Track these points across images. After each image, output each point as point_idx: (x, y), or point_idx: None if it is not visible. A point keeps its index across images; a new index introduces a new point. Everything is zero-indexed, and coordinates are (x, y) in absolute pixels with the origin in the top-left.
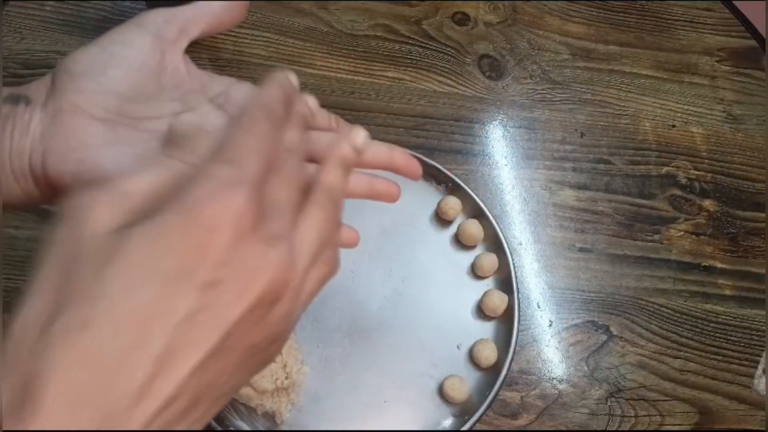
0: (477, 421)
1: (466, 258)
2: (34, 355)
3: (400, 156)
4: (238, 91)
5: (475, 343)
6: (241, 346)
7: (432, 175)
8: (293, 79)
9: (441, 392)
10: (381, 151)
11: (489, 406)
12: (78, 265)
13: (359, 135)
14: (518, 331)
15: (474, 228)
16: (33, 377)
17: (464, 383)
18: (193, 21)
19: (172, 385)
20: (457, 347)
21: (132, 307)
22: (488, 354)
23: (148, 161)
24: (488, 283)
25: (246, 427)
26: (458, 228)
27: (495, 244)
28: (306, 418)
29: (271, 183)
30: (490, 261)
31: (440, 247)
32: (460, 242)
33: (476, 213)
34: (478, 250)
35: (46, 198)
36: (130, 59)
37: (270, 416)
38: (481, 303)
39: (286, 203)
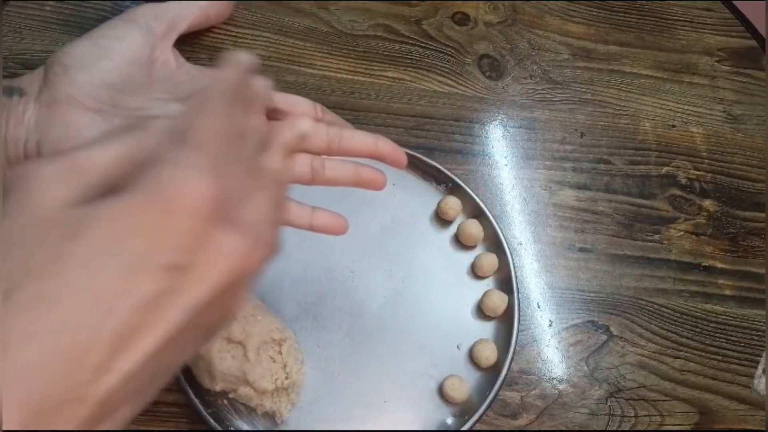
0: (477, 421)
1: (466, 258)
2: None
3: (385, 144)
4: None
5: (475, 343)
6: (199, 327)
7: (432, 175)
8: (249, 60)
9: (441, 392)
10: (366, 139)
11: (489, 406)
12: (37, 239)
13: (304, 123)
14: (518, 331)
15: (474, 228)
16: None
17: (464, 383)
18: (181, 17)
19: (131, 363)
20: (457, 347)
21: (95, 284)
22: (488, 354)
23: (105, 138)
24: (488, 283)
25: (246, 427)
26: (458, 228)
27: (495, 244)
28: (306, 418)
29: (232, 168)
30: (490, 261)
31: (440, 247)
32: (460, 242)
33: (476, 213)
34: (478, 250)
35: None
36: (122, 52)
37: (270, 416)
38: (481, 303)
39: (245, 189)
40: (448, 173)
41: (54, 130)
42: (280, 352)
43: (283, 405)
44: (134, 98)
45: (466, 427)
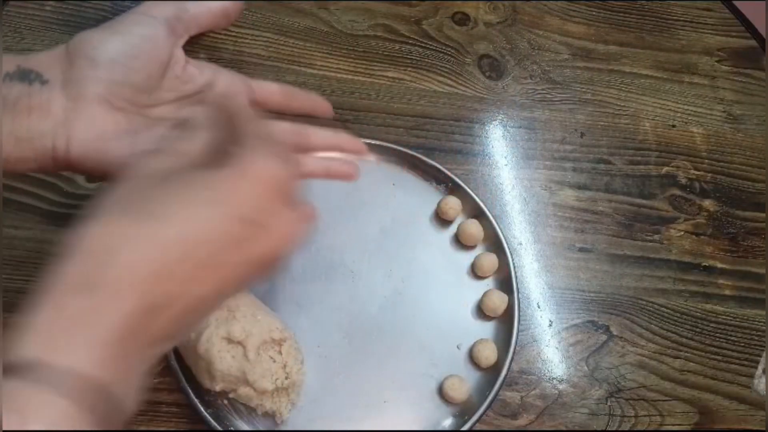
0: (477, 421)
1: (466, 258)
2: (109, 242)
3: (345, 137)
4: (222, 79)
5: (475, 343)
6: (248, 276)
7: (432, 175)
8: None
9: (441, 392)
10: (327, 135)
11: (489, 407)
12: (160, 185)
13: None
14: (518, 331)
15: (474, 228)
16: (106, 258)
17: (464, 383)
18: (195, 18)
19: (208, 286)
20: (457, 347)
21: (200, 217)
22: (488, 354)
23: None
24: (488, 283)
25: (246, 427)
26: (458, 228)
27: (495, 244)
28: (306, 418)
29: (287, 159)
30: (490, 261)
31: (440, 247)
32: (460, 242)
33: (476, 213)
34: (478, 250)
35: (58, 170)
36: (149, 52)
37: (270, 416)
38: (481, 303)
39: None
40: (448, 173)
41: (80, 127)
42: (280, 352)
43: (283, 405)
44: (148, 96)
45: (466, 428)
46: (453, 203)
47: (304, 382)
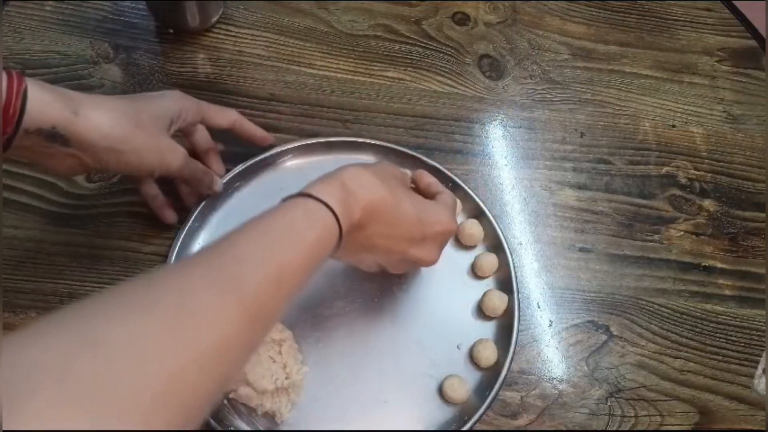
0: (477, 421)
1: (467, 258)
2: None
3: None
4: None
5: (475, 343)
6: (397, 259)
7: (432, 175)
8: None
9: (441, 392)
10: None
11: (489, 407)
12: (394, 181)
13: None
14: (518, 331)
15: (474, 228)
16: (351, 196)
17: (464, 384)
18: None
19: (388, 240)
20: (457, 347)
21: (411, 211)
22: (488, 354)
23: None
24: (488, 283)
25: (246, 427)
26: (459, 228)
27: (495, 244)
28: (306, 418)
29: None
30: (490, 261)
31: None
32: (460, 242)
33: (476, 213)
34: (478, 250)
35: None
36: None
37: (270, 416)
38: (481, 303)
39: None
40: (449, 173)
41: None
42: (280, 352)
43: (283, 405)
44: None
45: (466, 428)
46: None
47: (304, 382)
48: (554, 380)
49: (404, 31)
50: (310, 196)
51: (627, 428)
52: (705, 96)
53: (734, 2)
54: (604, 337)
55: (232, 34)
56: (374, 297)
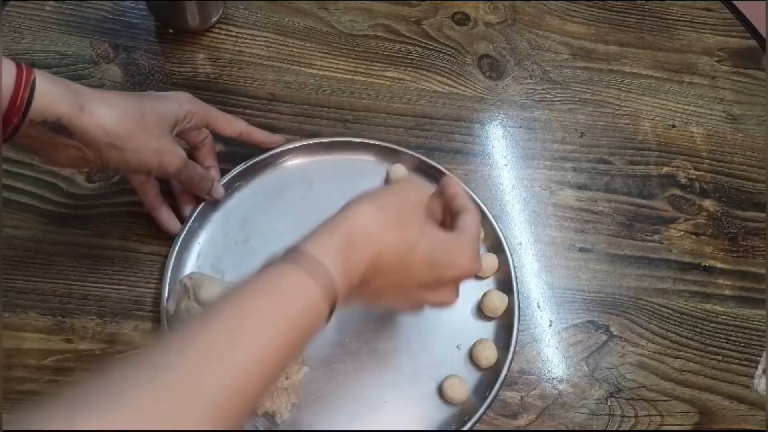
0: (477, 421)
1: None
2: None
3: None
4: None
5: (475, 343)
6: (409, 298)
7: (432, 176)
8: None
9: (441, 392)
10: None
11: (489, 407)
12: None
13: None
14: (518, 331)
15: None
16: (355, 251)
17: (464, 384)
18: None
19: (404, 278)
20: (457, 347)
21: (425, 243)
22: (488, 354)
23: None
24: (488, 284)
25: (246, 427)
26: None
27: (495, 244)
28: (306, 418)
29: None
30: (490, 261)
31: None
32: None
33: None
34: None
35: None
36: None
37: (270, 416)
38: (481, 303)
39: None
40: (449, 173)
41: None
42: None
43: (283, 405)
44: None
45: (466, 428)
46: None
47: (305, 382)
48: (554, 380)
49: (404, 31)
50: (303, 256)
51: (627, 428)
52: (705, 96)
53: (734, 2)
54: (604, 337)
55: (232, 34)
56: None
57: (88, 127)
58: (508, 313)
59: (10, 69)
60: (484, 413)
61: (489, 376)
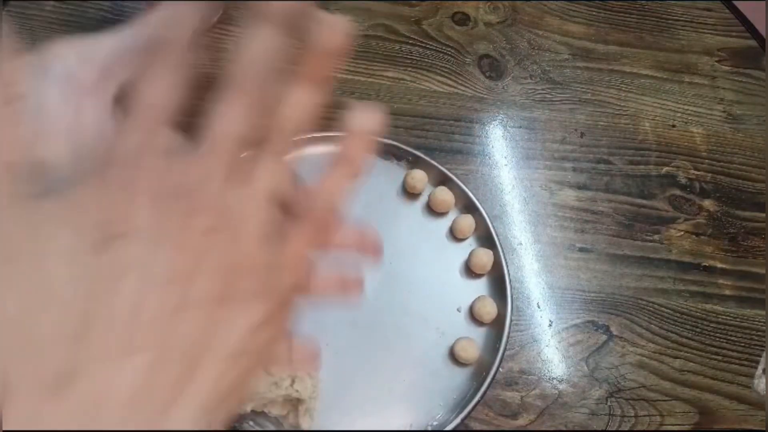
0: (495, 374)
1: (443, 224)
2: None
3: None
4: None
5: (473, 302)
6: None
7: (390, 153)
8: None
9: (453, 356)
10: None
11: (501, 360)
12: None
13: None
14: (511, 284)
15: (444, 194)
16: None
17: (473, 343)
18: (119, 57)
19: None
20: (458, 310)
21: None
22: (489, 309)
23: None
24: (470, 243)
25: (246, 427)
26: (429, 198)
27: (466, 207)
28: (325, 411)
29: None
30: (467, 222)
31: (415, 219)
32: (434, 210)
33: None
34: (453, 215)
35: None
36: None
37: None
38: (469, 263)
39: None
40: (449, 173)
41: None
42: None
43: (300, 415)
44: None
45: (487, 382)
46: (419, 176)
47: (320, 380)
48: (554, 380)
49: (404, 31)
50: None
51: (627, 428)
52: (705, 96)
53: (734, 2)
54: (604, 337)
55: (233, 34)
56: (367, 284)
57: None
58: (497, 266)
59: None
60: (500, 365)
61: (494, 330)
